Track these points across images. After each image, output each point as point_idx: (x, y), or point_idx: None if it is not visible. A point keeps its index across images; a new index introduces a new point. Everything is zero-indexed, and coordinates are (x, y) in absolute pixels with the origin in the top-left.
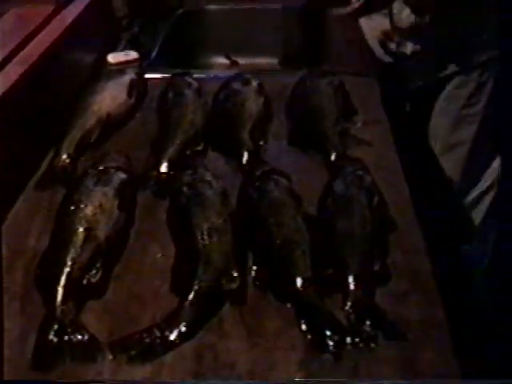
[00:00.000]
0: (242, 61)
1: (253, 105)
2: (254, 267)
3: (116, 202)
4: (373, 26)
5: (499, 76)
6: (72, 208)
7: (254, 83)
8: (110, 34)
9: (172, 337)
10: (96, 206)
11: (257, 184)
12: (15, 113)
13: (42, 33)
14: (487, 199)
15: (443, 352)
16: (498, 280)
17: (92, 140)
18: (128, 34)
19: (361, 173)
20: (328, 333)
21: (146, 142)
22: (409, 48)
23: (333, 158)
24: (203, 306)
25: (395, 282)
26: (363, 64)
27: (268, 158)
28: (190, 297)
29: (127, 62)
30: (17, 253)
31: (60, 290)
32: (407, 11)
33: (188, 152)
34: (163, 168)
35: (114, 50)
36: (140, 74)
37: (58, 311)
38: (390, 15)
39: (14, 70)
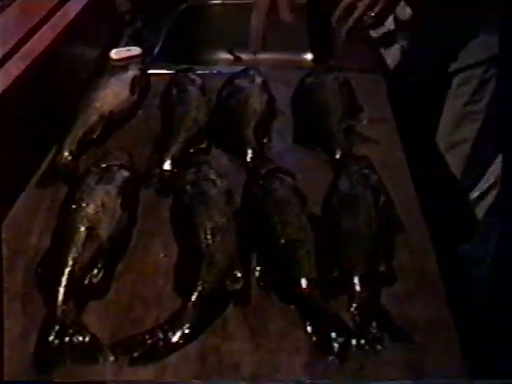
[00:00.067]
0: (245, 56)
1: (257, 101)
2: (258, 267)
3: (118, 201)
4: None
5: (498, 75)
6: (74, 207)
7: (258, 79)
8: (113, 30)
9: (175, 338)
10: (98, 205)
11: (261, 182)
12: (17, 109)
13: (44, 28)
14: (489, 198)
15: (450, 354)
16: (500, 280)
17: (94, 137)
18: (131, 30)
19: (366, 171)
20: (333, 335)
21: (149, 138)
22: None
23: (338, 156)
24: (206, 307)
25: (401, 283)
26: (369, 60)
27: (272, 155)
28: (193, 298)
29: (130, 58)
30: (18, 251)
31: (61, 290)
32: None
33: (191, 149)
34: (166, 166)
35: (116, 45)
36: (143, 70)
37: (59, 311)
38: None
39: (15, 66)
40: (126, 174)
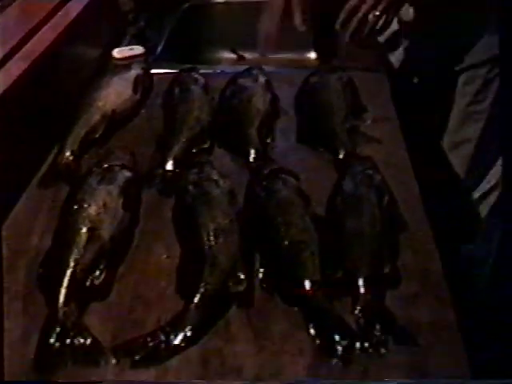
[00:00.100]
0: (249, 56)
1: (260, 101)
2: (261, 269)
3: (120, 201)
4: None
5: (499, 76)
6: (75, 207)
7: (262, 79)
8: (116, 29)
9: (177, 341)
10: (100, 205)
11: (264, 183)
12: (18, 109)
13: (46, 27)
14: (492, 198)
15: (455, 357)
16: (502, 280)
17: (96, 136)
18: (134, 29)
19: (370, 171)
20: (337, 337)
21: (152, 138)
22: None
23: (342, 156)
24: (209, 309)
25: (405, 284)
26: (373, 59)
27: (275, 155)
28: (196, 299)
29: (133, 57)
30: (19, 251)
31: (62, 292)
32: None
33: (194, 149)
34: (169, 166)
35: (119, 44)
36: (146, 70)
37: (60, 313)
38: None
39: (16, 66)
40: (127, 174)
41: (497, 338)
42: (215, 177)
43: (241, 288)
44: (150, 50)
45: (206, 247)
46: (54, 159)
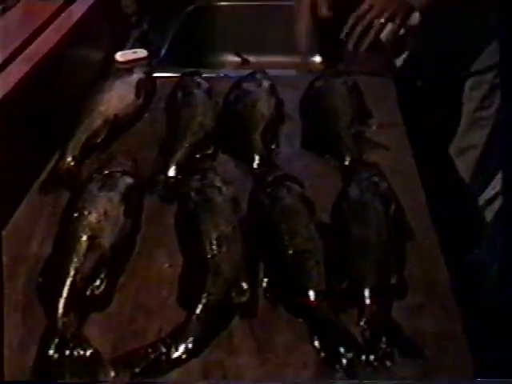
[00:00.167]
0: (253, 59)
1: (264, 106)
2: (265, 279)
3: (122, 209)
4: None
5: (499, 81)
6: (76, 215)
7: (266, 83)
8: (119, 32)
9: (178, 353)
10: (100, 213)
11: (268, 190)
12: (19, 112)
13: (48, 30)
14: (497, 203)
15: (461, 370)
16: (506, 285)
17: (98, 141)
18: (137, 32)
19: (376, 178)
20: (342, 350)
21: (154, 142)
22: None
23: (347, 162)
24: (211, 320)
25: (411, 294)
26: (379, 64)
27: (280, 161)
28: (198, 310)
29: (136, 61)
30: (19, 258)
31: (62, 302)
32: None
33: (197, 155)
34: (171, 172)
35: (122, 47)
36: (149, 73)
37: (60, 324)
38: None
39: (18, 69)
40: (129, 180)
41: (502, 340)
42: (218, 183)
43: (244, 298)
44: (153, 54)
45: (209, 256)
46: (55, 164)
